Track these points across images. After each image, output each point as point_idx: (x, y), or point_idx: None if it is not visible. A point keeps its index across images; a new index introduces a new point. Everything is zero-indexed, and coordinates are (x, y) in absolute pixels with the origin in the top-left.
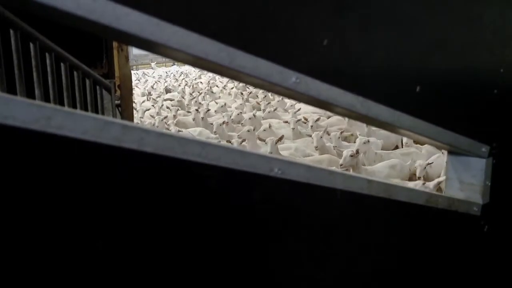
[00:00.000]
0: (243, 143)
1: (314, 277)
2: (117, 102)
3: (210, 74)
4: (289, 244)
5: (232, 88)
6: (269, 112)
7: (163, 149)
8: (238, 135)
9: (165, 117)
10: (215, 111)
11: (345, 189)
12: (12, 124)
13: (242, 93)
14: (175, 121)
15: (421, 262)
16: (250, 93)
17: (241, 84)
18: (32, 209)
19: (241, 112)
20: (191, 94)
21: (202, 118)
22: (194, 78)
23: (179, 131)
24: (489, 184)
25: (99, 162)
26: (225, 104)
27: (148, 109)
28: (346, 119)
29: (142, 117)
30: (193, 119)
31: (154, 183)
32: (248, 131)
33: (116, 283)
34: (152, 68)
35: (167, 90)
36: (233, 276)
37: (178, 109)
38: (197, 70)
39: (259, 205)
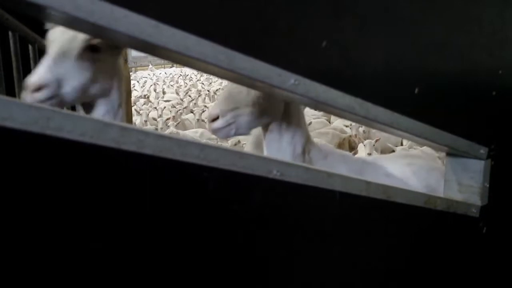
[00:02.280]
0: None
1: (312, 278)
2: None
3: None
4: (288, 245)
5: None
6: None
7: (162, 151)
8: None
9: (168, 119)
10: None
11: (344, 190)
12: (11, 126)
13: None
14: (175, 123)
15: (419, 263)
16: None
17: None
18: (31, 210)
19: None
20: (190, 96)
21: (199, 119)
22: (197, 80)
23: (177, 132)
24: (488, 186)
25: (98, 164)
26: None
27: (150, 111)
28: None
29: (146, 120)
30: (197, 120)
31: (153, 185)
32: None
33: (115, 284)
34: (150, 70)
35: (164, 92)
36: (232, 277)
37: (178, 111)
38: (196, 71)
39: (258, 207)
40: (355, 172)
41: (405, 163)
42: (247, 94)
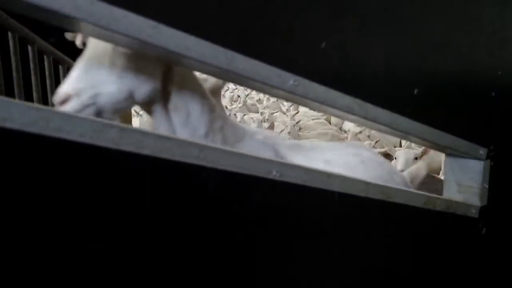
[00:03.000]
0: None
1: (312, 278)
2: None
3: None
4: (288, 245)
5: (226, 91)
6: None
7: (161, 151)
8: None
9: None
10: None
11: (343, 191)
12: (11, 127)
13: (239, 96)
14: None
15: (419, 263)
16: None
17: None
18: (30, 211)
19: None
20: None
21: None
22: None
23: None
24: (487, 186)
25: (97, 165)
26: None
27: None
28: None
29: (147, 120)
30: None
31: (152, 185)
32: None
33: (115, 284)
34: None
35: None
36: (232, 277)
37: None
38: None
39: (257, 207)
40: (282, 158)
41: (350, 153)
42: (110, 67)
